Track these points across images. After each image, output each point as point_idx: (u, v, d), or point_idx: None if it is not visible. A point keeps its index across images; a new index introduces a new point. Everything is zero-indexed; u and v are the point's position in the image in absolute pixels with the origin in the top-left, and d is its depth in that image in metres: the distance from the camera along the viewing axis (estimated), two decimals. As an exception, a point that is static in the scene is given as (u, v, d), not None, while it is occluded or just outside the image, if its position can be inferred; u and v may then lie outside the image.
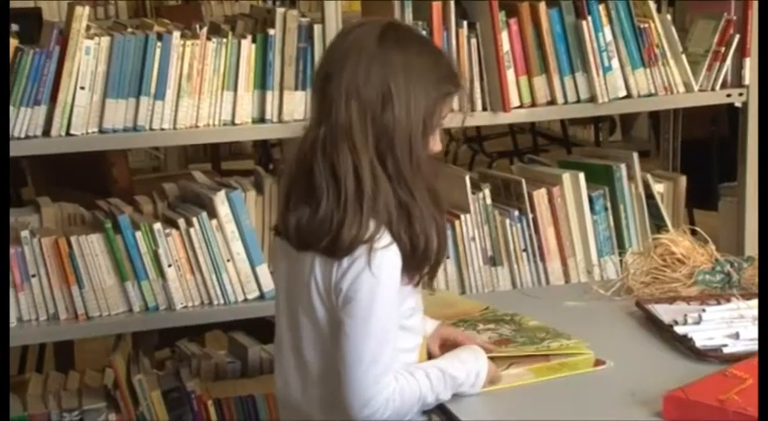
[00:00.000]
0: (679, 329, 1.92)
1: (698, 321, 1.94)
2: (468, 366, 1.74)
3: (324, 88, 1.66)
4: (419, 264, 1.69)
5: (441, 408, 1.74)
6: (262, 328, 2.53)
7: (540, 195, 2.62)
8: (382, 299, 1.64)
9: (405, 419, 1.68)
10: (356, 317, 1.64)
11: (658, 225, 2.71)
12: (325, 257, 1.66)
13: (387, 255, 1.64)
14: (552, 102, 2.67)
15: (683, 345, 1.88)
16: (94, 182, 3.33)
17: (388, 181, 1.65)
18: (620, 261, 2.45)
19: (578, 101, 2.69)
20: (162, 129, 2.41)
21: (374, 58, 1.63)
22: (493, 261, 2.62)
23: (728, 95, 2.79)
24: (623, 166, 2.69)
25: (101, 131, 2.38)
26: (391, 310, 1.66)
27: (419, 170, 1.66)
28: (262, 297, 2.48)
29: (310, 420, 1.76)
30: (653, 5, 2.72)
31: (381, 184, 1.64)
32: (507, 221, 2.61)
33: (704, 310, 1.97)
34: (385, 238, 1.64)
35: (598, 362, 1.85)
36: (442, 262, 1.76)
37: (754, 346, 1.78)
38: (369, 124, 1.63)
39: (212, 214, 2.46)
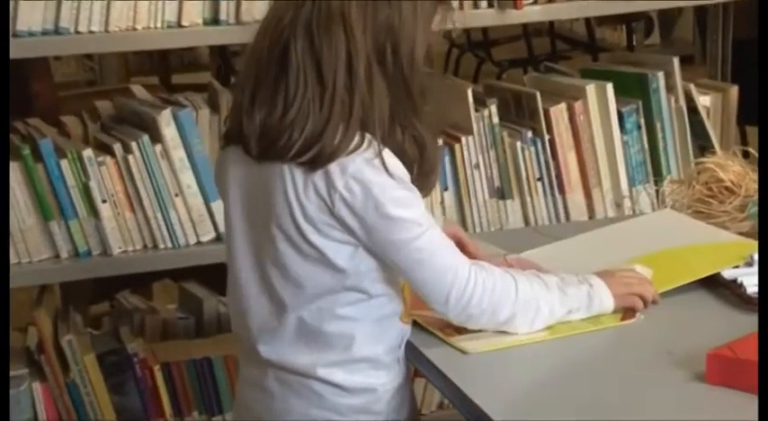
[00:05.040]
0: (727, 273, 1.92)
1: (750, 263, 1.93)
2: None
3: None
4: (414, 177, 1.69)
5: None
6: (219, 277, 2.51)
7: (559, 112, 2.61)
8: (400, 197, 1.63)
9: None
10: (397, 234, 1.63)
11: (703, 146, 2.71)
12: (303, 169, 1.62)
13: (382, 157, 1.62)
14: (574, -5, 2.66)
15: (732, 292, 1.88)
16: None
17: (385, 82, 1.63)
18: (657, 191, 2.44)
19: (606, -7, 2.67)
20: (91, 32, 2.39)
21: None
22: (501, 193, 2.62)
23: (793, -16, 2.76)
24: (661, 75, 2.68)
25: (14, 35, 2.35)
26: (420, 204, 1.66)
27: (419, 75, 1.66)
28: (218, 239, 2.48)
29: (286, 366, 1.74)
30: None
31: (377, 85, 1.62)
32: (518, 144, 2.60)
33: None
34: (374, 148, 1.62)
35: (626, 315, 1.85)
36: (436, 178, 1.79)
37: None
38: (369, 15, 1.62)
39: (156, 138, 2.44)
